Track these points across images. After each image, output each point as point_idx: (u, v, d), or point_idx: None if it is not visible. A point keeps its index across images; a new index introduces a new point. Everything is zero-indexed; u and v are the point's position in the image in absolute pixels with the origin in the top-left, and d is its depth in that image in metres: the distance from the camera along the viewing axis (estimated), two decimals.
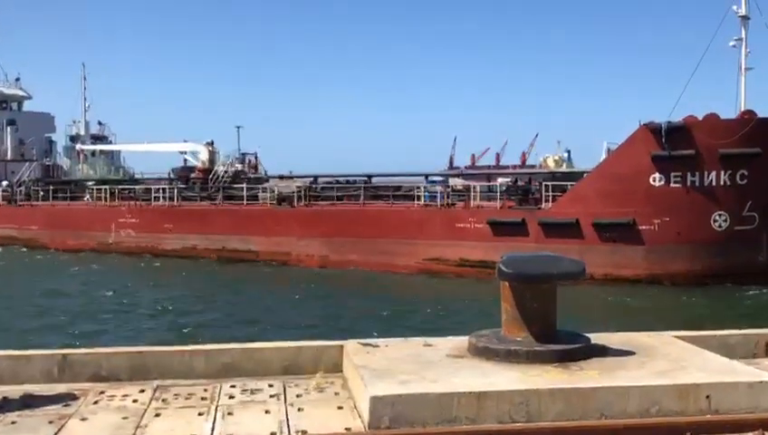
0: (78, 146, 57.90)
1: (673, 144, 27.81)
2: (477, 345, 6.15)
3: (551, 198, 31.58)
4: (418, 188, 35.85)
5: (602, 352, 6.17)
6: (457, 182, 37.02)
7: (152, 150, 52.59)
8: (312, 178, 40.23)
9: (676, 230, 28.24)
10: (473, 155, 45.19)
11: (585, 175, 32.58)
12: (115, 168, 57.06)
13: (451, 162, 43.94)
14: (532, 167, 38.40)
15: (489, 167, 41.92)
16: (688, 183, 28.14)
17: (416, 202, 34.91)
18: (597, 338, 6.45)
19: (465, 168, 41.05)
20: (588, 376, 5.61)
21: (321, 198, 38.05)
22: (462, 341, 6.46)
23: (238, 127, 47.87)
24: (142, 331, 21.90)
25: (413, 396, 5.21)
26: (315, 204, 37.57)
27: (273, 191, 38.95)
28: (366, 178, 38.65)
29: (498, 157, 44.92)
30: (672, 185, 28.30)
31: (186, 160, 46.63)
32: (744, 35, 30.04)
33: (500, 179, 35.64)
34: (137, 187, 46.84)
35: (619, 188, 28.69)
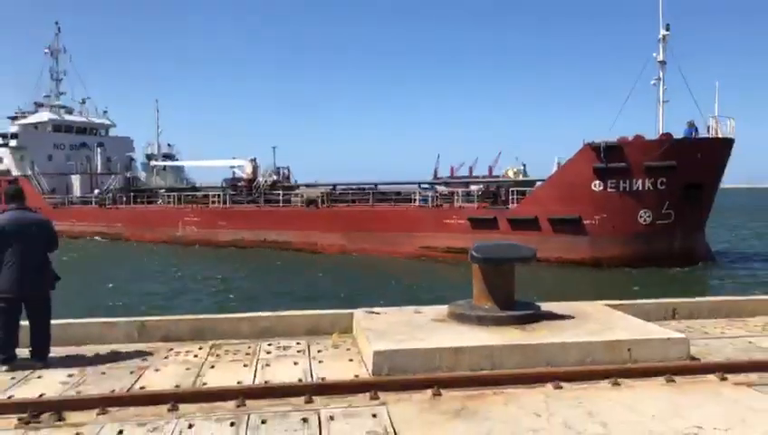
0: (152, 162, 58.10)
1: (609, 159, 27.70)
2: (455, 312, 6.19)
3: (515, 200, 31.55)
4: (414, 192, 35.85)
5: (549, 316, 6.19)
6: (442, 189, 36.85)
7: (208, 165, 52.61)
8: (332, 186, 40.08)
9: (611, 224, 28.11)
10: (452, 167, 45.37)
11: (537, 182, 32.51)
12: (180, 179, 57.06)
13: (435, 173, 43.84)
14: (497, 177, 38.08)
15: (465, 177, 41.58)
16: (621, 188, 28.00)
17: (412, 203, 34.89)
18: (545, 306, 6.46)
19: (447, 177, 41.19)
20: (538, 335, 5.66)
21: (339, 201, 37.97)
22: (443, 309, 6.48)
23: (274, 147, 47.82)
24: (203, 300, 21.78)
25: (406, 351, 5.28)
26: (335, 206, 37.45)
27: (303, 196, 38.92)
28: (373, 186, 38.56)
29: (471, 169, 44.68)
30: (609, 190, 28.15)
31: (234, 173, 46.47)
32: (661, 75, 29.86)
33: (473, 187, 35.51)
34: (197, 193, 46.86)
35: (568, 192, 28.57)
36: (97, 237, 45.72)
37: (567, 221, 28.65)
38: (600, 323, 6.00)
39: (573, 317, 6.18)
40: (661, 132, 28.68)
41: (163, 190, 49.35)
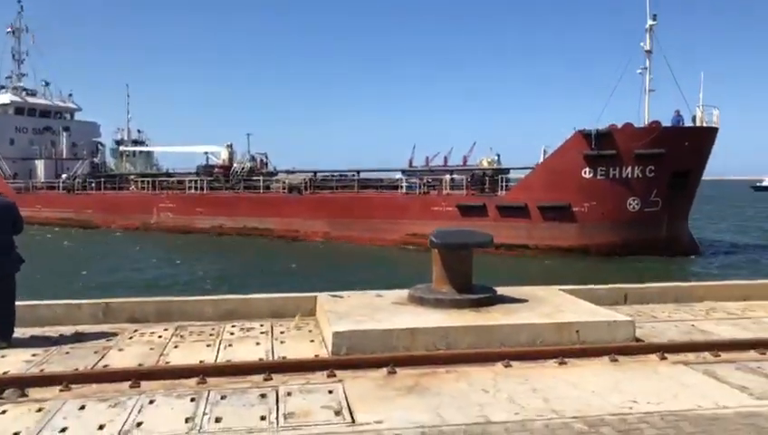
0: (121, 148, 58.04)
1: (600, 146, 28.31)
2: (414, 295, 6.58)
3: (504, 187, 32.10)
4: (400, 180, 36.21)
5: (505, 300, 6.61)
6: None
7: (181, 151, 52.62)
8: (312, 173, 40.35)
9: (600, 211, 28.79)
10: (427, 157, 46.11)
11: (511, 171, 33.65)
12: (150, 165, 57.07)
13: (410, 163, 44.56)
14: (472, 167, 38.74)
15: (440, 166, 42.28)
16: (611, 176, 28.66)
17: (399, 190, 35.26)
18: (502, 290, 6.87)
19: (422, 167, 41.90)
20: (492, 317, 6.07)
21: (322, 188, 38.26)
22: (404, 292, 6.87)
23: (248, 134, 47.78)
24: (176, 282, 22.13)
25: (364, 331, 5.64)
26: (319, 192, 37.81)
27: (285, 182, 39.17)
28: (356, 173, 38.88)
29: (446, 159, 45.38)
30: (598, 177, 28.79)
31: (208, 159, 46.60)
32: (648, 65, 30.41)
33: (455, 175, 35.95)
34: (172, 179, 46.90)
35: (558, 179, 29.12)
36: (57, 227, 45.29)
37: (556, 208, 29.27)
38: (552, 306, 6.45)
39: (527, 301, 6.63)
40: (647, 121, 29.34)
41: (134, 176, 49.30)
